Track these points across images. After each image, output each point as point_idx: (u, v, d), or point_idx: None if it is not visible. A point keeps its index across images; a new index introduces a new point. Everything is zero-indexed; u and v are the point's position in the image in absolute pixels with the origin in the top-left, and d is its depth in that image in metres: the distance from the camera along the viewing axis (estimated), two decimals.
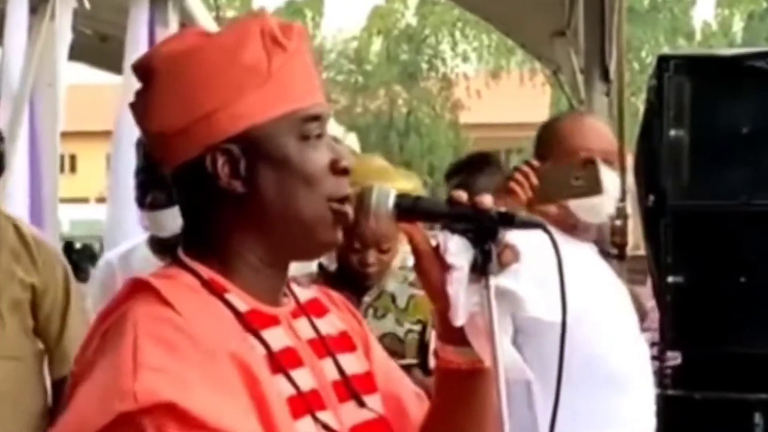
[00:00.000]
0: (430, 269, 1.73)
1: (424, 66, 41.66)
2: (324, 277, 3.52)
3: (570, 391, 3.07)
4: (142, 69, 1.72)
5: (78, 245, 15.76)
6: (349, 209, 1.75)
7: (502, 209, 1.73)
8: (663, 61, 4.87)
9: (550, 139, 3.22)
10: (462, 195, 1.74)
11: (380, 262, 3.47)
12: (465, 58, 42.08)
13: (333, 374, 1.78)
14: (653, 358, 5.02)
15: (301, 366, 1.73)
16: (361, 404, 1.79)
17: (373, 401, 1.82)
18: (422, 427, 1.86)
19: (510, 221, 1.72)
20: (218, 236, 1.73)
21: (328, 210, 1.72)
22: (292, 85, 1.71)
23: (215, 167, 1.69)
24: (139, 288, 1.68)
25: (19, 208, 5.04)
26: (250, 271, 1.73)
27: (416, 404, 1.89)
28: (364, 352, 1.88)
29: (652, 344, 4.94)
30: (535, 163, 3.07)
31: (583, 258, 3.18)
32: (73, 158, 41.20)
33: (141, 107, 1.73)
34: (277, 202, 1.70)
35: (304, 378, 1.71)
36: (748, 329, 4.86)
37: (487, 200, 1.73)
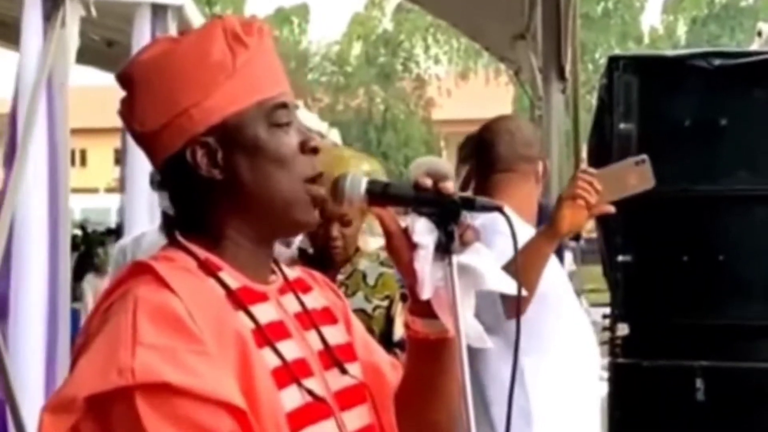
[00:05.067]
0: (399, 248, 1.74)
1: (400, 68, 41.70)
2: (303, 259, 3.50)
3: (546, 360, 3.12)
4: (123, 78, 1.73)
5: (90, 230, 15.69)
6: (322, 189, 1.75)
7: (464, 194, 1.74)
8: (613, 61, 4.87)
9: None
10: (427, 181, 1.74)
11: (344, 236, 3.43)
12: (436, 61, 42.14)
13: (318, 344, 1.78)
14: (605, 329, 5.04)
15: (288, 338, 1.73)
16: (344, 371, 1.79)
17: (354, 369, 1.82)
18: (397, 392, 1.87)
19: (471, 205, 1.73)
20: (207, 220, 1.73)
21: (303, 190, 1.72)
22: (257, 77, 1.71)
23: (195, 159, 1.69)
24: (140, 270, 1.68)
25: (39, 198, 5.05)
26: (239, 251, 1.73)
27: (392, 372, 1.89)
28: (344, 325, 1.88)
29: (604, 316, 4.96)
30: (592, 169, 3.11)
31: None
32: (83, 153, 41.08)
33: (127, 112, 1.73)
34: (254, 186, 1.70)
35: (291, 349, 1.71)
36: (689, 303, 4.88)
37: (449, 186, 1.73)
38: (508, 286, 1.78)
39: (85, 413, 1.57)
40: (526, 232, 3.15)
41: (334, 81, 41.14)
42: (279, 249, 1.84)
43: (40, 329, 4.77)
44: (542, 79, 5.66)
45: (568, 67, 5.29)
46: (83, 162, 41.38)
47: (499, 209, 1.75)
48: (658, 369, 4.84)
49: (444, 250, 1.72)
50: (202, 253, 1.71)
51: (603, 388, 4.60)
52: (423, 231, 1.72)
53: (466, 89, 39.77)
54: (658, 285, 4.88)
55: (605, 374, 4.75)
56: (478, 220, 2.79)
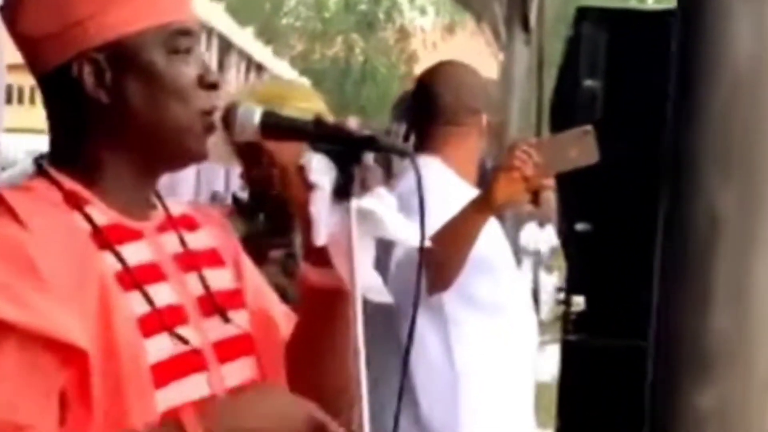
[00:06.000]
0: (295, 187, 1.70)
1: (382, 16, 41.49)
2: (238, 208, 3.45)
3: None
4: None
5: None
6: (216, 119, 1.72)
7: (366, 132, 1.70)
8: (581, 12, 4.82)
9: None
10: (329, 116, 1.71)
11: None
12: (422, 11, 41.94)
13: (198, 289, 1.74)
14: (560, 302, 5.03)
15: (162, 281, 1.69)
16: (226, 320, 1.75)
17: (239, 317, 1.78)
18: (288, 344, 1.83)
19: (373, 145, 1.69)
20: (84, 146, 1.69)
21: (197, 122, 1.69)
22: None
23: (81, 75, 1.66)
24: None
25: None
26: (114, 183, 1.70)
27: (285, 322, 1.86)
28: (234, 271, 1.84)
29: (558, 289, 4.94)
30: (533, 140, 3.08)
31: None
32: (33, 90, 40.78)
33: (12, 12, 1.69)
34: (144, 114, 1.67)
35: (164, 293, 1.67)
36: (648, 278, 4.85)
37: (352, 122, 1.69)
38: (410, 235, 1.74)
39: None
40: (464, 193, 3.11)
41: (309, 27, 40.93)
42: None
43: None
44: (505, 28, 5.54)
45: (533, 17, 5.19)
46: (32, 101, 41.11)
47: (405, 152, 1.71)
48: (609, 348, 4.81)
49: (342, 192, 1.69)
50: (69, 185, 1.67)
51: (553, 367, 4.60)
52: (321, 170, 1.69)
53: (452, 44, 39.60)
54: (616, 257, 4.85)
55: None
56: (400, 187, 2.77)
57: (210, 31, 11.64)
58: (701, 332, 2.77)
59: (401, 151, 1.71)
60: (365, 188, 1.69)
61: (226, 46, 11.95)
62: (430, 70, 3.44)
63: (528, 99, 5.12)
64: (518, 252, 3.83)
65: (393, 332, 3.10)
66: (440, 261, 2.90)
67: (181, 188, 7.17)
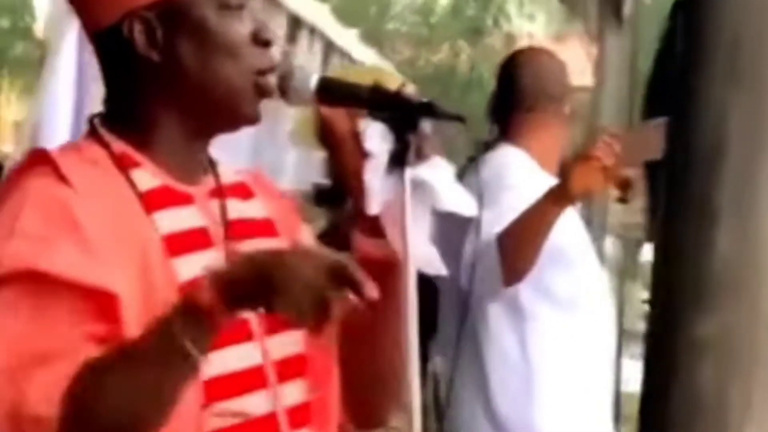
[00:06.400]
0: (349, 155, 1.67)
1: (489, 23, 41.32)
2: (318, 196, 3.43)
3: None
4: None
5: None
6: (271, 82, 1.69)
7: (424, 99, 1.67)
8: (680, 4, 4.68)
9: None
10: (389, 82, 1.68)
11: None
12: (531, 18, 41.71)
13: None
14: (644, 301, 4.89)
15: (210, 247, 1.67)
16: None
17: None
18: (341, 320, 1.79)
19: (431, 111, 1.66)
20: (136, 107, 1.68)
21: (250, 82, 1.67)
22: None
23: (132, 34, 1.64)
24: (38, 160, 1.63)
25: None
26: (166, 144, 1.68)
27: None
28: (289, 243, 1.80)
29: (643, 302, 4.83)
30: (616, 131, 3.06)
31: None
32: None
33: None
34: (195, 73, 1.66)
35: (211, 260, 1.64)
36: None
37: (409, 89, 1.66)
38: (467, 207, 1.71)
39: None
40: (545, 182, 3.06)
41: (416, 33, 40.92)
42: None
43: None
44: (598, 18, 5.39)
45: (627, 6, 5.03)
46: None
47: (461, 119, 1.67)
48: None
49: (398, 161, 1.66)
50: (120, 147, 1.66)
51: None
52: (377, 138, 1.66)
53: (560, 51, 39.35)
54: None
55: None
56: (483, 172, 2.74)
57: (313, 31, 11.69)
58: (704, 256, 2.65)
59: (458, 118, 1.67)
60: (421, 157, 1.67)
61: (329, 47, 11.99)
62: (511, 56, 3.41)
63: (620, 90, 5.01)
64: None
65: (468, 322, 3.07)
66: (515, 252, 2.87)
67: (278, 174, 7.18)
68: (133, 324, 1.53)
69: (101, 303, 1.53)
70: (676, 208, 2.72)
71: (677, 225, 2.72)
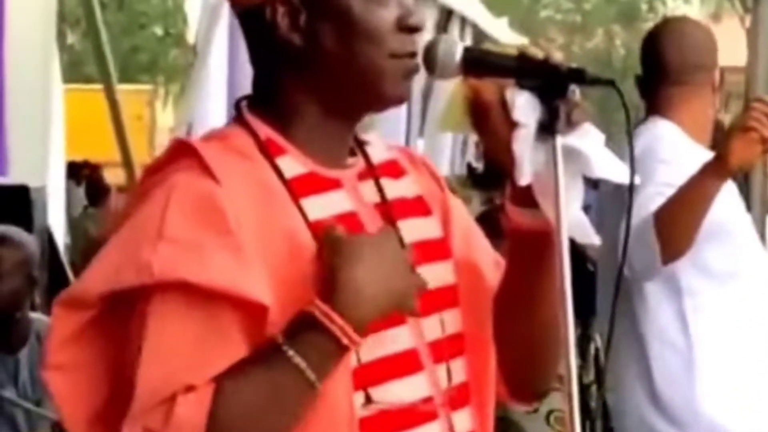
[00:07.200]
0: (497, 126, 1.65)
1: (644, 7, 40.75)
2: (473, 179, 3.43)
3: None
4: None
5: None
6: (416, 62, 1.68)
7: (573, 65, 1.64)
8: None
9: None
10: (534, 50, 1.65)
11: None
12: (686, 0, 40.99)
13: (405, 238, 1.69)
14: None
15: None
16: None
17: (443, 269, 1.74)
18: (496, 293, 1.77)
19: (580, 77, 1.63)
20: (279, 90, 1.68)
21: (392, 64, 1.66)
22: None
23: (275, 17, 1.64)
24: (182, 152, 1.64)
25: None
26: (310, 129, 1.68)
27: (493, 271, 1.80)
28: (441, 218, 1.79)
29: None
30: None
31: None
32: None
33: None
34: (338, 57, 1.65)
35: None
36: None
37: (557, 55, 1.63)
38: (620, 174, 1.67)
39: (102, 310, 1.58)
40: (698, 155, 2.99)
41: (570, 20, 40.57)
42: None
43: None
44: None
45: None
46: None
47: (612, 83, 1.64)
48: None
49: (548, 129, 1.63)
50: (265, 133, 1.66)
51: None
52: (525, 107, 1.64)
53: (717, 31, 38.59)
54: None
55: None
56: (637, 146, 2.69)
57: (464, 21, 11.67)
58: None
59: (608, 83, 1.64)
60: (571, 125, 1.64)
61: (480, 37, 11.97)
62: (655, 28, 3.34)
63: None
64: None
65: (628, 300, 3.03)
66: (674, 229, 2.81)
67: (439, 159, 7.20)
68: (279, 323, 1.55)
69: (251, 313, 1.55)
70: None
71: None
